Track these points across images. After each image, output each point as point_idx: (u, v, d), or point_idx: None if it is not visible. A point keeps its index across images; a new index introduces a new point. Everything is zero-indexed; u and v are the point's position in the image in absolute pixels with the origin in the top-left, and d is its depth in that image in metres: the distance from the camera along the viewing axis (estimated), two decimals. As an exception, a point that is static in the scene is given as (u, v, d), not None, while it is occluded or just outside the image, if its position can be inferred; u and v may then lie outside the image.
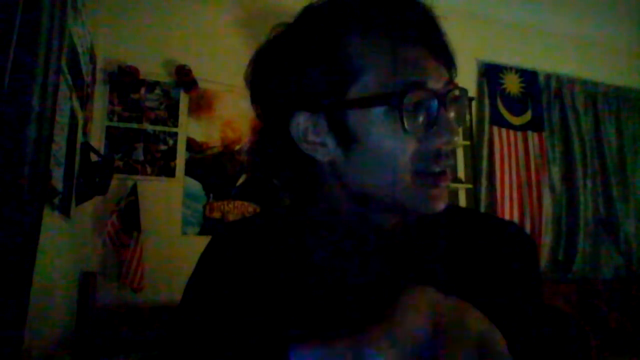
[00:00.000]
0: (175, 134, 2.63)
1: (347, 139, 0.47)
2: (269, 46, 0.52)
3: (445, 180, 0.48)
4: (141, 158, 2.54)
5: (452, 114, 0.48)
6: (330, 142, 0.49)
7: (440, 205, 0.48)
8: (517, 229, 0.56)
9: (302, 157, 0.51)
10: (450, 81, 0.48)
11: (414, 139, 0.46)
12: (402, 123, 0.44)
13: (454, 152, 0.49)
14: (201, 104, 2.71)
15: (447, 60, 0.48)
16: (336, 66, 0.46)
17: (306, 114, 0.49)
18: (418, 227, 0.54)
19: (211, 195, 2.66)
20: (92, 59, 2.23)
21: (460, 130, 0.49)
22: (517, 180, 3.25)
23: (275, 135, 0.53)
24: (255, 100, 0.54)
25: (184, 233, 2.55)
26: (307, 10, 0.51)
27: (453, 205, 0.60)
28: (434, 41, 0.47)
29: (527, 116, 3.38)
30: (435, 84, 0.46)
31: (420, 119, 0.46)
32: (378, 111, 0.45)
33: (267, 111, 0.53)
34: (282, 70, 0.50)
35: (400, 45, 0.46)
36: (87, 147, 2.05)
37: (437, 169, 0.47)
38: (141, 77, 2.54)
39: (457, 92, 0.49)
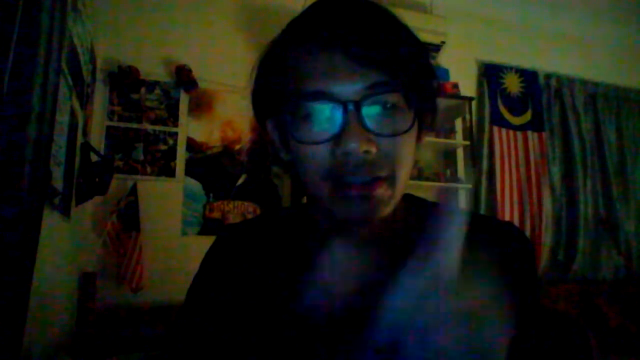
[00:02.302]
0: (175, 133, 2.63)
1: (286, 143, 0.51)
2: (258, 58, 0.55)
3: (367, 189, 0.45)
4: (141, 158, 2.54)
5: (370, 120, 0.44)
6: (282, 145, 0.53)
7: (363, 216, 0.46)
8: (515, 229, 0.56)
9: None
10: (383, 84, 0.44)
11: (321, 148, 0.45)
12: (297, 132, 0.46)
13: (390, 159, 0.46)
14: (201, 104, 2.71)
15: (373, 63, 0.44)
16: (279, 76, 0.49)
17: (271, 119, 0.53)
18: (415, 228, 0.54)
19: (211, 195, 2.65)
20: (92, 59, 2.23)
21: (372, 137, 0.45)
22: (517, 180, 3.25)
23: (264, 137, 0.56)
24: (252, 106, 0.57)
25: (184, 233, 2.55)
26: (290, 21, 0.53)
27: (450, 207, 0.60)
28: (354, 46, 0.44)
29: (527, 116, 3.38)
30: (345, 90, 0.44)
31: (323, 127, 0.45)
32: (291, 119, 0.47)
33: (256, 116, 0.57)
34: (259, 79, 0.53)
35: (310, 54, 0.45)
36: (87, 147, 2.05)
37: (351, 179, 0.45)
38: (141, 77, 2.54)
39: (385, 97, 0.45)
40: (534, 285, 0.53)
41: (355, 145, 0.43)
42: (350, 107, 0.44)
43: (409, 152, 0.48)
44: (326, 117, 0.45)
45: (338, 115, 0.44)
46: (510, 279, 0.51)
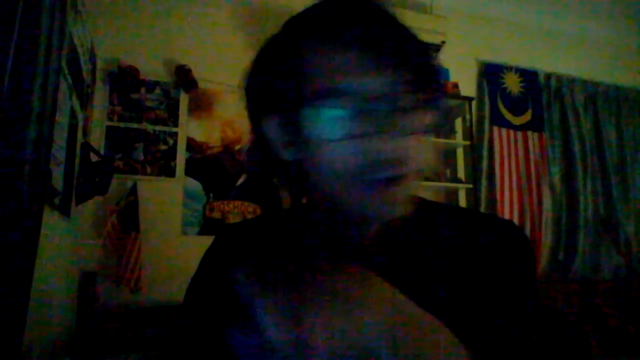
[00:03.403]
0: (175, 134, 2.63)
1: (302, 141, 0.49)
2: (255, 55, 0.54)
3: (396, 186, 0.46)
4: (141, 158, 2.54)
5: (403, 118, 0.45)
6: (292, 144, 0.51)
7: (389, 212, 0.47)
8: (513, 227, 0.56)
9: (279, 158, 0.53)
10: (412, 82, 0.46)
11: (348, 144, 0.45)
12: (332, 127, 0.45)
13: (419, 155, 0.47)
14: (201, 104, 2.71)
15: (403, 61, 0.45)
16: (292, 71, 0.48)
17: (274, 116, 0.51)
18: (412, 226, 0.54)
19: (211, 195, 2.65)
20: (92, 59, 2.23)
21: (420, 131, 0.46)
22: (517, 180, 3.24)
23: (258, 136, 0.54)
24: (245, 104, 0.56)
25: (184, 233, 2.55)
26: (288, 19, 0.52)
27: (448, 205, 0.60)
28: (385, 43, 0.45)
29: (527, 116, 3.38)
30: (378, 86, 0.44)
31: (358, 123, 0.45)
32: (317, 115, 0.46)
33: (249, 114, 0.56)
34: (257, 75, 0.53)
35: (342, 49, 0.45)
36: (87, 147, 2.05)
37: (382, 175, 0.45)
38: (141, 77, 2.54)
39: (416, 95, 0.46)
40: (532, 282, 0.53)
41: (386, 143, 0.44)
42: (380, 103, 0.44)
43: (425, 150, 0.48)
44: (354, 113, 0.45)
45: (368, 110, 0.44)
46: (509, 277, 0.51)
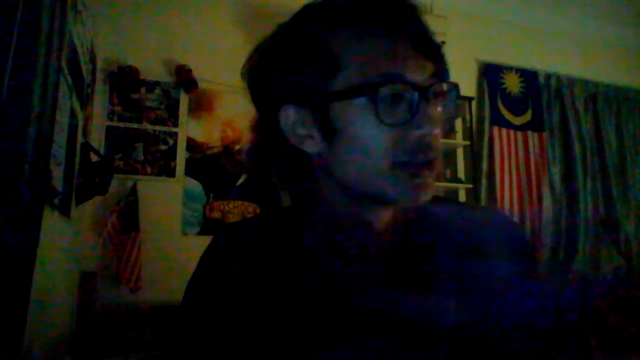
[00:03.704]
0: (175, 134, 2.63)
1: (330, 131, 0.49)
2: (263, 43, 0.54)
3: (429, 171, 0.48)
4: (141, 158, 2.54)
5: (434, 107, 0.48)
6: (316, 135, 0.50)
7: (423, 197, 0.49)
8: (507, 219, 0.59)
9: (294, 151, 0.53)
10: (436, 75, 0.48)
11: (391, 130, 0.46)
12: (377, 114, 0.45)
13: (440, 146, 0.49)
14: (201, 104, 2.71)
15: (430, 54, 0.48)
16: (319, 60, 0.48)
17: (294, 107, 0.50)
18: (412, 222, 0.54)
19: (211, 195, 2.65)
20: (92, 59, 2.23)
21: (442, 123, 0.49)
22: (517, 180, 3.24)
23: (268, 129, 0.54)
24: (250, 95, 0.55)
25: (184, 233, 2.55)
26: (302, 8, 0.52)
27: (444, 198, 0.61)
28: (415, 35, 0.47)
29: (527, 116, 3.38)
30: (416, 76, 0.46)
31: (398, 110, 0.46)
32: (356, 103, 0.46)
33: (260, 106, 0.55)
34: (272, 65, 0.51)
35: (379, 39, 0.46)
36: (87, 147, 2.05)
37: (418, 160, 0.47)
38: (141, 77, 2.54)
39: (442, 86, 0.49)
40: (531, 271, 0.54)
41: (430, 128, 0.46)
42: (424, 92, 0.46)
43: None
44: (402, 100, 0.46)
45: (414, 99, 0.46)
46: (509, 269, 0.52)
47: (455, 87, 0.50)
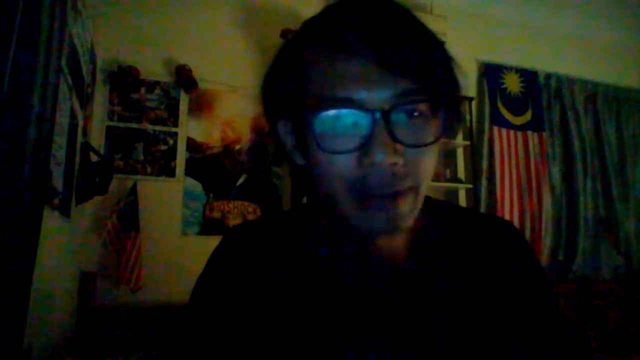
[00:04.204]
0: (175, 134, 2.63)
1: (304, 148, 0.49)
2: (273, 56, 0.54)
3: (392, 202, 0.44)
4: (141, 158, 2.54)
5: (397, 130, 0.42)
6: (298, 149, 0.51)
7: (386, 228, 0.45)
8: (511, 228, 0.57)
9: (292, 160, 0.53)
10: (409, 93, 0.43)
11: (345, 158, 0.43)
12: (321, 139, 0.43)
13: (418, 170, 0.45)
14: (201, 104, 2.71)
15: (406, 72, 0.42)
16: (299, 78, 0.47)
17: (286, 120, 0.51)
18: (416, 228, 0.54)
19: (211, 195, 2.65)
20: (92, 59, 2.23)
21: (399, 147, 0.43)
22: (517, 180, 3.25)
23: (275, 137, 0.54)
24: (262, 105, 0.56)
25: (184, 233, 2.55)
26: (306, 21, 0.51)
27: (450, 205, 0.60)
28: (383, 52, 0.42)
29: (527, 116, 3.38)
30: (372, 97, 0.42)
31: (350, 136, 0.43)
32: (316, 124, 0.44)
33: (266, 115, 0.55)
34: (271, 79, 0.52)
35: (338, 59, 0.43)
36: (87, 147, 2.05)
37: (374, 192, 0.44)
38: (141, 77, 2.54)
39: (419, 106, 0.44)
40: (539, 283, 0.54)
41: (383, 157, 0.42)
42: (379, 116, 0.42)
43: (433, 162, 0.46)
44: (353, 125, 0.43)
45: (366, 124, 0.42)
46: (516, 281, 0.52)
47: (448, 100, 0.46)
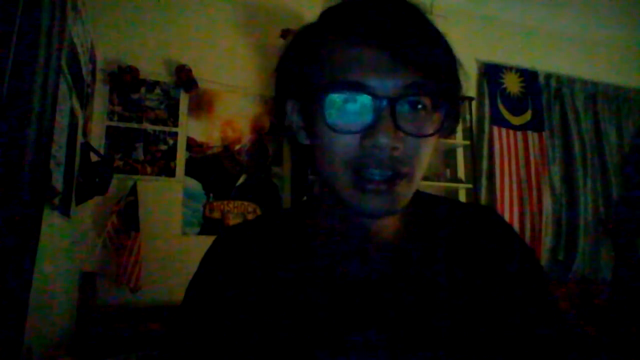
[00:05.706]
0: (175, 133, 2.63)
1: (310, 128, 0.51)
2: (289, 39, 0.56)
3: (387, 186, 0.46)
4: (141, 158, 2.54)
5: (404, 119, 0.45)
6: (303, 128, 0.53)
7: (380, 209, 0.47)
8: (496, 215, 0.58)
9: (297, 142, 0.55)
10: (417, 86, 0.46)
11: (349, 138, 0.46)
12: (325, 120, 0.46)
13: (417, 156, 0.47)
14: (201, 104, 2.71)
15: (415, 65, 0.45)
16: (311, 61, 0.50)
17: (294, 101, 0.53)
18: (414, 224, 0.54)
19: (211, 195, 2.66)
20: (92, 59, 2.23)
21: (400, 135, 0.45)
22: (517, 180, 3.25)
23: (281, 117, 0.56)
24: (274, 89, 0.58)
25: (184, 233, 2.55)
26: (326, 8, 0.53)
27: (445, 199, 0.61)
28: (396, 44, 0.45)
29: (527, 116, 3.38)
30: (383, 86, 0.45)
31: (350, 117, 0.46)
32: (323, 104, 0.46)
33: (276, 95, 0.57)
34: (285, 60, 0.54)
35: (352, 45, 0.46)
36: (87, 147, 2.05)
37: (372, 173, 0.46)
38: (141, 77, 2.54)
39: (422, 99, 0.46)
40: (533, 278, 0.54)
41: (386, 140, 0.44)
42: (386, 103, 0.45)
43: (430, 153, 0.49)
44: (360, 108, 0.46)
45: (373, 108, 0.45)
46: (512, 276, 0.52)
47: (450, 93, 0.48)
